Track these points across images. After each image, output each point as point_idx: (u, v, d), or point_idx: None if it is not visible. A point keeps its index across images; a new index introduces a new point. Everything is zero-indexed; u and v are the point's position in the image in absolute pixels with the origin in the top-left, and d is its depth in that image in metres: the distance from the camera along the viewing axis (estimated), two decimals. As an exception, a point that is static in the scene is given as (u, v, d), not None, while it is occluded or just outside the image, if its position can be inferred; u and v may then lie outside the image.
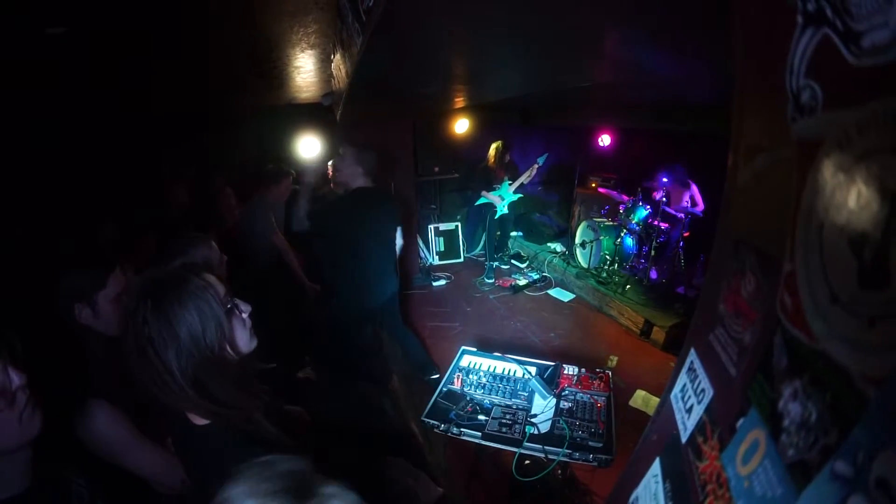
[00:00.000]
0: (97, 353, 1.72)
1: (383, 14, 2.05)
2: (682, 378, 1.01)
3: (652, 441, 1.13)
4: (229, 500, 0.82)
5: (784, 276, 0.63)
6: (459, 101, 6.17)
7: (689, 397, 0.93)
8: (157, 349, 1.16)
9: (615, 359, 4.39)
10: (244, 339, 1.37)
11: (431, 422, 2.49)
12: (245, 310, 1.38)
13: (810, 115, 0.59)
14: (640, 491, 1.09)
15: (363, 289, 3.56)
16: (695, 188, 5.52)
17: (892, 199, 0.43)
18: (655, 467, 1.03)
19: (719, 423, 0.77)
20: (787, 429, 0.57)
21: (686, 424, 0.91)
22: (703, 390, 0.88)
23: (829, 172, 0.54)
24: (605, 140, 7.42)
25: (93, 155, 4.88)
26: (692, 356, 0.98)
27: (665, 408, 1.07)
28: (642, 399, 3.70)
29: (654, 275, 5.55)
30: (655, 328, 4.76)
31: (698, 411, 0.87)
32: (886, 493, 0.40)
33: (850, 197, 0.49)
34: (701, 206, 5.42)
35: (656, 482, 1.00)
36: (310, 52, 3.79)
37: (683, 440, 0.90)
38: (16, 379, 1.05)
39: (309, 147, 6.21)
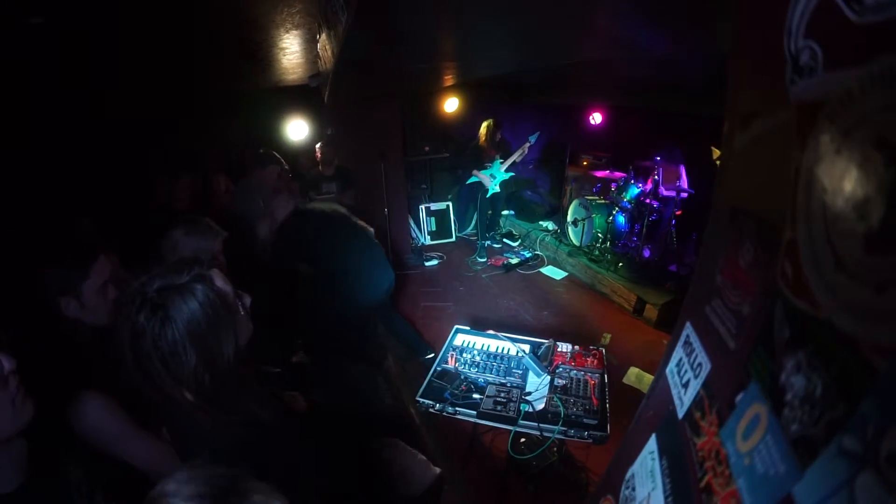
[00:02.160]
0: (87, 345, 1.70)
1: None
2: (678, 352, 0.99)
3: (647, 417, 1.12)
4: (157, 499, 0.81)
5: (784, 244, 0.61)
6: (449, 79, 6.11)
7: (686, 371, 0.92)
8: (166, 363, 1.15)
9: (608, 336, 4.40)
10: (245, 332, 1.35)
11: (426, 402, 2.49)
12: (247, 302, 1.37)
13: (810, 76, 0.56)
14: (635, 467, 1.08)
15: (360, 293, 3.52)
16: (682, 169, 5.49)
17: (897, 158, 0.41)
18: (651, 444, 1.02)
19: (717, 397, 0.76)
20: (789, 403, 0.55)
21: (682, 399, 0.90)
22: (699, 364, 0.86)
23: (830, 134, 0.51)
24: (596, 118, 7.39)
25: (72, 145, 4.79)
26: (688, 329, 0.97)
27: (660, 383, 1.05)
28: (636, 376, 3.72)
29: (646, 253, 5.56)
30: (648, 306, 4.78)
31: (695, 386, 0.85)
32: (896, 467, 0.38)
33: (854, 159, 0.47)
34: (685, 185, 5.40)
35: (652, 459, 0.99)
36: (295, 32, 3.72)
37: (680, 416, 0.89)
38: (6, 363, 1.07)
39: (297, 130, 6.15)
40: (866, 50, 0.46)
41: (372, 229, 3.73)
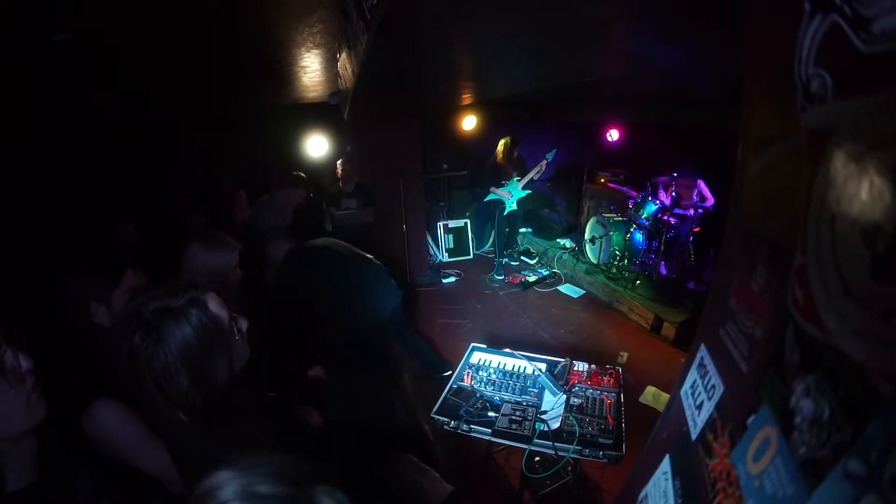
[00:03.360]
0: (108, 352, 1.74)
1: (387, 11, 2.05)
2: (693, 374, 0.99)
3: (662, 438, 1.12)
4: (212, 493, 0.81)
5: (795, 269, 0.61)
6: (467, 98, 6.17)
7: (700, 393, 0.92)
8: (158, 383, 1.17)
9: (625, 355, 4.36)
10: (241, 357, 1.37)
11: (441, 419, 2.49)
12: (243, 327, 1.39)
13: (820, 103, 0.57)
14: (649, 488, 1.07)
15: (362, 314, 3.54)
16: (702, 184, 5.45)
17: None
18: (665, 464, 1.01)
19: (730, 419, 0.76)
20: (798, 426, 0.55)
21: (696, 421, 0.90)
22: (713, 386, 0.87)
23: (840, 162, 0.52)
24: (613, 135, 7.35)
25: (103, 159, 4.93)
26: (702, 352, 0.97)
27: (675, 404, 1.05)
28: (652, 395, 3.68)
29: (664, 270, 5.51)
30: (665, 324, 4.74)
31: (708, 408, 0.86)
32: (902, 492, 0.39)
33: (863, 187, 0.48)
34: (711, 201, 5.35)
35: (666, 479, 0.99)
36: (315, 51, 3.80)
37: (693, 437, 0.89)
38: (24, 363, 1.10)
39: (317, 146, 6.22)
40: (875, 78, 0.47)
41: (371, 257, 3.74)
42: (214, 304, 1.30)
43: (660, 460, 1.04)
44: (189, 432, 1.26)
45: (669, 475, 0.97)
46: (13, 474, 1.09)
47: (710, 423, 0.83)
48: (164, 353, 1.17)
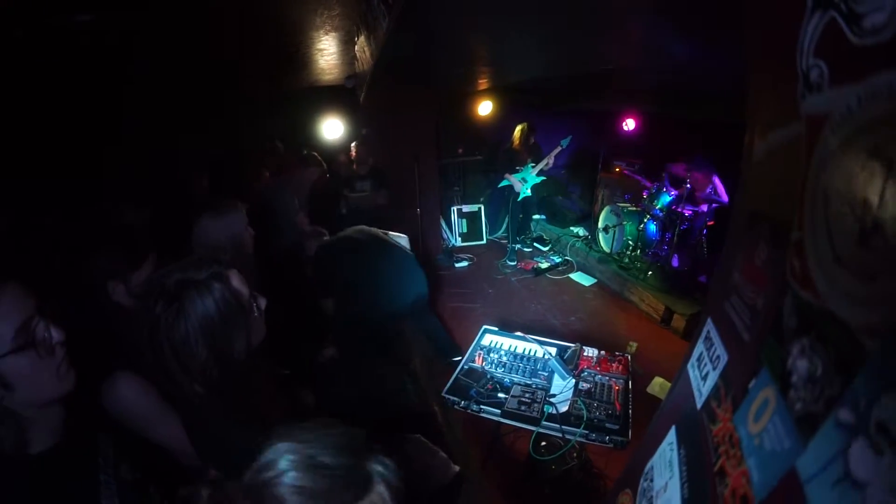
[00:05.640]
0: (127, 329, 1.80)
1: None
2: (699, 347, 1.05)
3: (667, 411, 1.17)
4: (272, 464, 0.86)
5: (793, 242, 0.67)
6: (483, 83, 6.18)
7: (706, 364, 0.97)
8: (177, 354, 1.22)
9: (634, 345, 4.38)
10: (258, 333, 1.42)
11: (452, 398, 2.55)
12: (262, 304, 1.43)
13: (818, 91, 0.63)
14: (655, 459, 1.13)
15: (387, 302, 3.59)
16: (717, 179, 5.42)
17: (888, 165, 0.47)
18: (671, 435, 1.07)
19: (733, 385, 0.82)
20: (794, 384, 0.61)
21: (701, 391, 0.95)
22: (718, 357, 0.92)
23: (833, 144, 0.58)
24: (629, 124, 7.29)
25: (124, 142, 5.02)
26: (708, 325, 1.02)
27: (681, 378, 1.11)
28: (660, 386, 3.71)
29: (676, 262, 5.50)
30: (676, 316, 4.75)
31: (713, 377, 0.91)
32: (886, 435, 0.44)
33: (852, 165, 0.53)
34: (725, 198, 5.33)
35: (671, 449, 1.04)
36: (333, 34, 3.84)
37: (699, 406, 0.94)
38: (55, 335, 1.15)
39: (332, 129, 6.28)
40: (864, 69, 0.53)
41: (405, 238, 3.78)
42: (236, 280, 1.36)
43: (666, 432, 1.10)
44: (204, 405, 1.31)
45: (675, 444, 1.03)
46: (36, 438, 1.14)
47: (714, 391, 0.89)
48: (184, 323, 1.21)
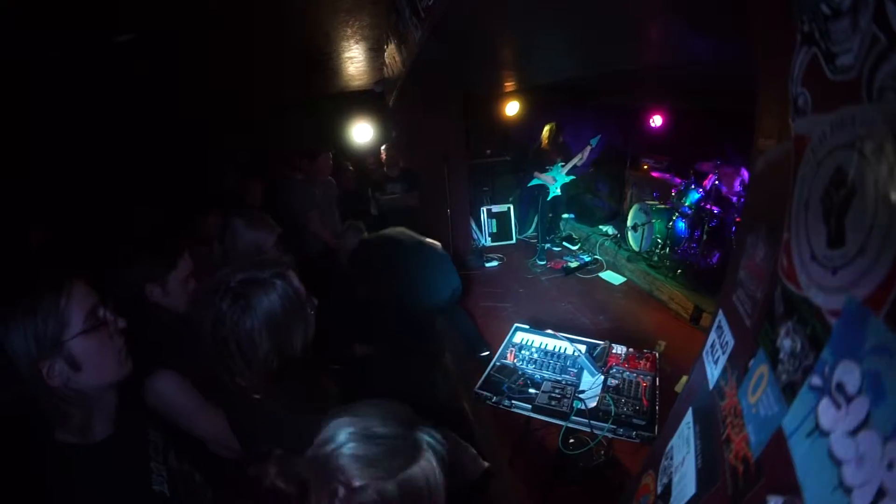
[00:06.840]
0: (166, 328, 1.88)
1: (443, 14, 2.19)
2: (712, 336, 1.17)
3: (686, 395, 1.29)
4: (332, 437, 0.96)
5: (783, 242, 0.79)
6: (510, 86, 6.23)
7: (717, 350, 1.10)
8: (241, 348, 1.29)
9: (663, 344, 4.37)
10: (312, 330, 1.50)
11: (484, 393, 2.64)
12: (315, 302, 1.51)
13: (803, 116, 0.75)
14: (675, 440, 1.24)
15: (421, 300, 3.69)
16: (745, 172, 5.36)
17: (847, 182, 0.60)
18: (688, 416, 1.19)
19: (738, 366, 0.94)
20: (781, 360, 0.74)
21: (714, 374, 1.08)
22: (727, 343, 1.05)
23: (812, 162, 0.71)
24: (656, 121, 7.29)
25: (162, 148, 5.27)
26: (720, 316, 1.15)
27: (697, 365, 1.23)
28: (688, 384, 3.74)
29: (706, 260, 5.45)
30: (705, 315, 4.69)
31: (723, 360, 1.04)
32: (842, 392, 0.57)
33: (824, 181, 0.66)
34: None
35: (688, 428, 1.16)
36: (363, 43, 3.96)
37: (711, 387, 1.07)
38: (119, 322, 1.27)
39: (362, 133, 6.42)
40: (835, 101, 0.65)
41: (438, 244, 3.90)
42: (295, 279, 1.44)
43: (684, 413, 1.21)
44: (254, 400, 1.37)
45: (691, 423, 1.15)
46: (100, 425, 1.24)
47: (723, 373, 1.01)
48: (251, 318, 1.28)
